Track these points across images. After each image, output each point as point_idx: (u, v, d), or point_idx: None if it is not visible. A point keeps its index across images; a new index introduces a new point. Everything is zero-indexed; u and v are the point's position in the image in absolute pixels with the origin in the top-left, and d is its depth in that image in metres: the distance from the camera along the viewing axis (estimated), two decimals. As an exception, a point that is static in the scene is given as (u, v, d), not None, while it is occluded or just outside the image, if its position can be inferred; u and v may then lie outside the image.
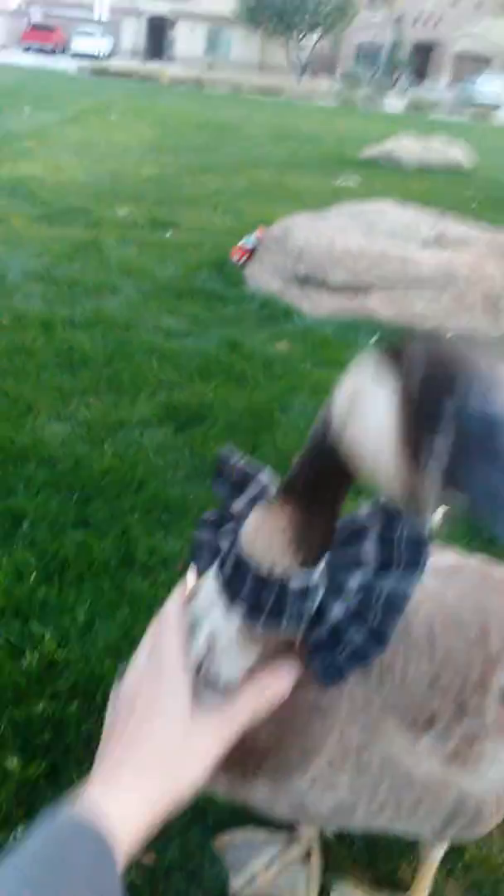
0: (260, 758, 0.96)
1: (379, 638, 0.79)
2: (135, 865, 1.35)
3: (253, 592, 0.69)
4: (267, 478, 0.79)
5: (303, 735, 0.95)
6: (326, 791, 1.00)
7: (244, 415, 3.04)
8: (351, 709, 0.96)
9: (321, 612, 0.78)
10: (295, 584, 0.70)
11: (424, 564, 0.76)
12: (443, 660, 0.96)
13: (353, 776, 0.98)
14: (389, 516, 0.77)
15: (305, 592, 0.71)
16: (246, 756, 0.95)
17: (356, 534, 0.78)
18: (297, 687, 0.89)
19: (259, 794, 1.03)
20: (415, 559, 0.76)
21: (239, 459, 0.83)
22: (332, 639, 0.79)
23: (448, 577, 1.05)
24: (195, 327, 3.97)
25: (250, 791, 1.03)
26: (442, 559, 1.11)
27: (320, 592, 0.75)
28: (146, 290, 4.46)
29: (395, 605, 0.78)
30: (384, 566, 0.76)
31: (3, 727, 1.57)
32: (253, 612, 0.70)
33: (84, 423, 2.84)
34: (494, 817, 1.04)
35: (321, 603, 0.77)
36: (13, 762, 1.49)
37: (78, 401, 3.01)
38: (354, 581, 0.77)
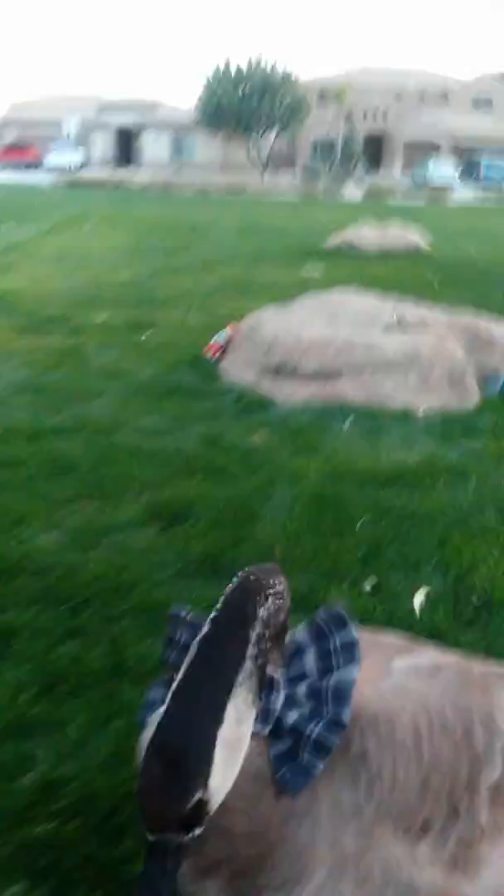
0: (256, 875, 0.99)
1: (337, 723, 0.89)
2: None
3: None
4: None
5: (290, 843, 0.99)
6: None
7: (226, 509, 3.12)
8: (338, 814, 1.00)
9: (278, 726, 0.87)
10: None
11: (360, 658, 0.89)
12: (430, 763, 1.00)
13: (355, 886, 1.00)
14: (321, 633, 0.91)
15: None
16: (242, 874, 0.99)
17: (298, 653, 0.90)
18: (269, 802, 0.94)
19: None
20: (350, 658, 0.90)
21: (188, 614, 0.95)
22: (294, 744, 0.88)
23: (429, 676, 1.10)
24: (175, 425, 4.10)
25: None
26: (422, 658, 1.15)
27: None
28: (127, 392, 4.61)
29: (343, 692, 0.89)
30: (325, 672, 0.89)
31: (6, 851, 1.57)
32: None
33: (73, 530, 2.91)
34: None
35: (277, 719, 0.87)
36: (18, 888, 1.49)
37: (66, 508, 3.09)
38: (302, 690, 0.88)
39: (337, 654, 0.94)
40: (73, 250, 10.89)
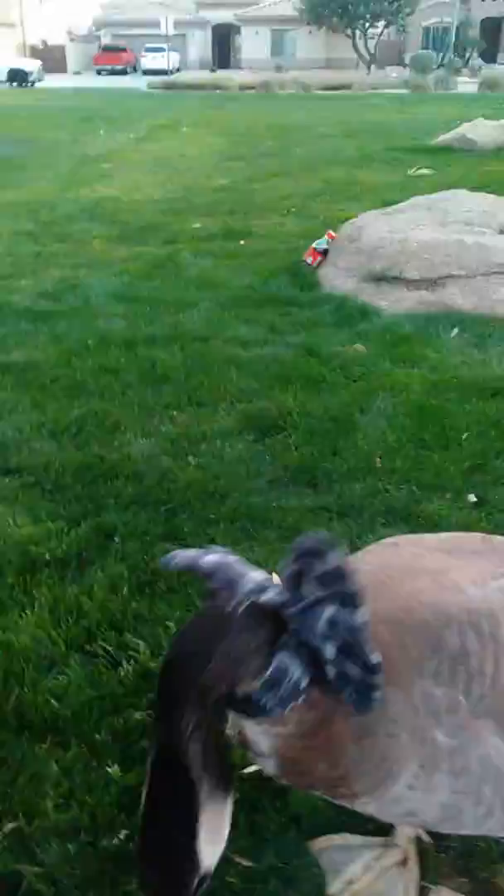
0: (349, 785, 1.01)
1: (371, 669, 0.92)
2: (232, 867, 1.39)
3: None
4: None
5: (374, 751, 0.98)
6: (429, 795, 1.02)
7: (324, 420, 3.06)
8: (431, 711, 0.99)
9: (316, 657, 0.93)
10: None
11: (354, 588, 0.91)
12: None
13: (451, 778, 1.01)
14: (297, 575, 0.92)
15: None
16: (335, 784, 1.01)
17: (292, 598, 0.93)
18: (341, 725, 0.97)
19: (369, 808, 1.07)
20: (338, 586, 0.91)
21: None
22: (341, 678, 0.93)
23: None
24: (272, 335, 4.01)
25: (360, 807, 1.08)
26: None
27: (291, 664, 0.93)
28: (223, 301, 4.54)
29: (359, 636, 0.91)
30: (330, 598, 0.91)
31: (103, 736, 1.65)
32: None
33: (168, 438, 2.93)
34: None
35: (312, 651, 0.92)
36: (115, 769, 1.56)
37: (161, 416, 3.11)
38: (323, 619, 0.91)
39: (326, 580, 0.92)
40: (169, 156, 10.68)
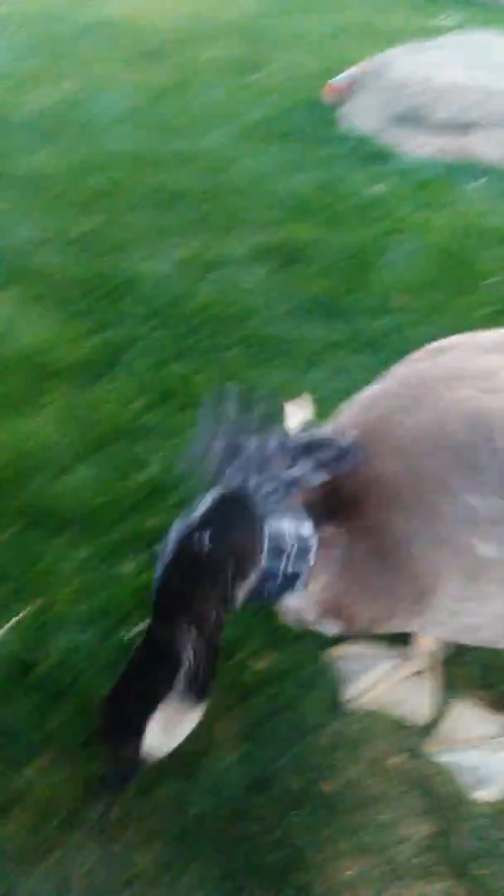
0: (394, 609, 1.01)
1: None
2: (245, 668, 1.38)
3: None
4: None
5: (402, 570, 0.97)
6: (483, 604, 0.97)
7: (341, 255, 2.88)
8: (470, 524, 0.95)
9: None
10: None
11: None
12: None
13: (499, 587, 0.98)
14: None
15: None
16: (388, 616, 1.02)
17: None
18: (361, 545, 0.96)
19: (430, 630, 1.03)
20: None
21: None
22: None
23: None
24: (288, 168, 3.74)
25: (421, 629, 1.04)
26: None
27: None
28: (236, 131, 4.20)
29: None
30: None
31: (116, 537, 1.60)
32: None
33: (179, 263, 2.75)
34: None
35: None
36: (129, 567, 1.52)
37: (171, 240, 2.91)
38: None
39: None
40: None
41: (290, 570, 0.93)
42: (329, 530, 0.96)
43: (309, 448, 0.92)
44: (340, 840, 1.14)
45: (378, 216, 3.29)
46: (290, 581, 0.94)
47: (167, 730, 0.95)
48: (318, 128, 4.41)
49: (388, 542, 0.96)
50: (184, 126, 4.21)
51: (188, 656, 0.91)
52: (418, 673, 1.44)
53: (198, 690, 0.94)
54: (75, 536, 1.60)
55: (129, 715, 0.93)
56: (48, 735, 1.21)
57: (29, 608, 1.41)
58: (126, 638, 1.40)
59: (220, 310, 2.45)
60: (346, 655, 1.45)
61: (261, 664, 1.41)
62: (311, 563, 0.94)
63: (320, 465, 0.93)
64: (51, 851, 1.07)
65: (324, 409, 2.07)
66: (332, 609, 1.00)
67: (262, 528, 0.92)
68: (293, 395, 2.09)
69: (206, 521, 0.92)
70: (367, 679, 1.42)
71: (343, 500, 0.98)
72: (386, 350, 2.36)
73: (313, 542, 0.94)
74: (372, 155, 4.04)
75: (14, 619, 1.40)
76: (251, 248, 2.89)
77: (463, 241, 3.10)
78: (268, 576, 0.93)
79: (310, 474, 0.93)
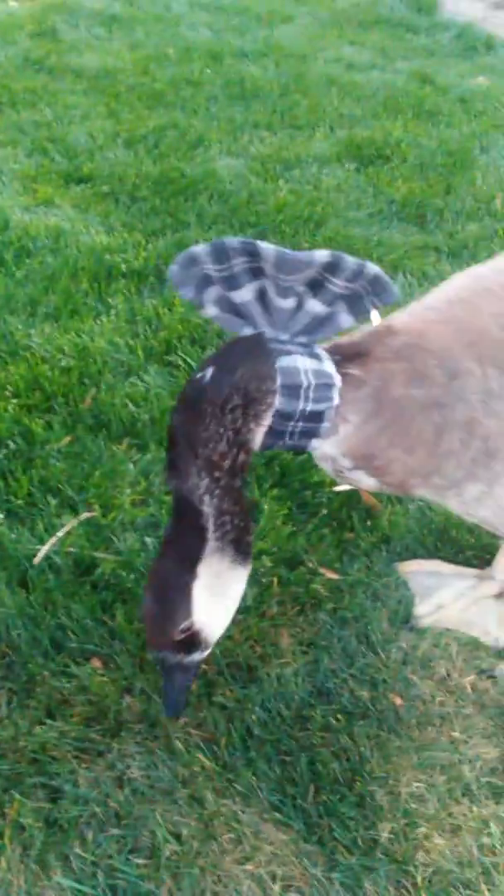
0: (428, 467, 0.93)
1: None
2: (318, 576, 1.32)
3: None
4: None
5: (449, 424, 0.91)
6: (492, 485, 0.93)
7: (436, 154, 2.66)
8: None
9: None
10: None
11: None
12: None
13: None
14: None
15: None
16: (422, 474, 0.94)
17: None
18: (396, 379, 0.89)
19: (454, 500, 0.95)
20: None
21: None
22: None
23: None
24: (380, 59, 3.46)
25: (452, 502, 0.95)
26: None
27: None
28: (323, 18, 3.91)
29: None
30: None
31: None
32: None
33: (257, 158, 2.60)
34: None
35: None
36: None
37: (250, 135, 2.74)
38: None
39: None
40: None
41: (308, 408, 0.83)
42: (357, 370, 0.87)
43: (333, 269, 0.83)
44: (407, 754, 1.10)
45: (479, 111, 3.03)
46: (313, 421, 0.85)
47: (215, 594, 0.88)
48: (416, 14, 4.07)
49: (434, 390, 0.89)
50: (266, 11, 3.95)
51: (209, 505, 0.82)
52: (496, 595, 1.35)
53: (234, 543, 0.86)
54: (140, 441, 1.55)
55: (170, 590, 0.87)
56: (111, 632, 1.20)
57: (87, 514, 1.38)
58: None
59: (299, 210, 2.31)
60: (421, 571, 1.38)
61: (331, 574, 1.35)
62: (335, 400, 0.85)
63: (353, 295, 0.84)
64: (108, 749, 1.07)
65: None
66: (364, 456, 0.91)
67: (272, 363, 0.82)
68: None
69: (213, 357, 0.84)
70: (442, 596, 1.34)
71: (373, 346, 0.90)
72: (483, 255, 2.18)
73: (336, 379, 0.85)
74: (476, 44, 3.72)
75: (75, 519, 1.38)
76: (335, 146, 2.70)
77: None
78: (285, 416, 0.83)
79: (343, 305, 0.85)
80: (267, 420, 0.83)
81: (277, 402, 0.83)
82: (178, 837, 0.99)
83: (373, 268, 0.84)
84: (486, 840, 1.01)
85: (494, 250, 2.18)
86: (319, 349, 0.87)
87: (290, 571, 1.32)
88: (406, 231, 2.27)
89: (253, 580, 1.30)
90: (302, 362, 0.83)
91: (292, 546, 1.36)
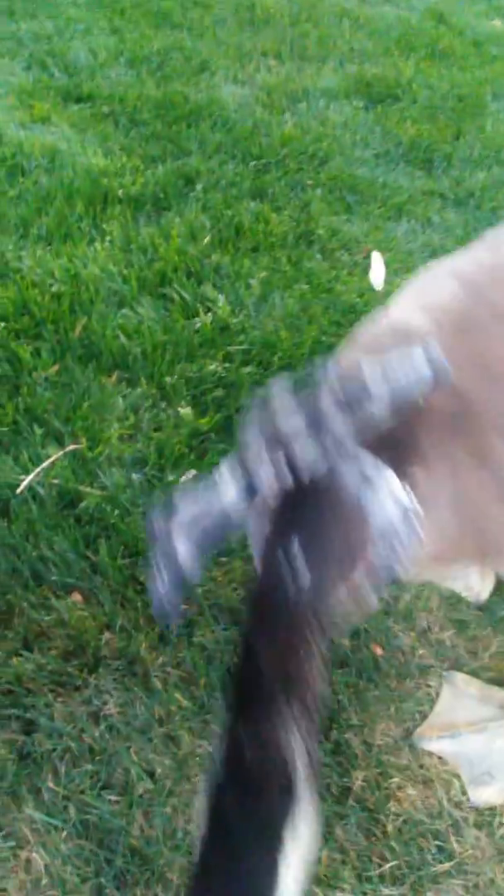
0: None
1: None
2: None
3: None
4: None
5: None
6: None
7: (447, 97, 2.57)
8: None
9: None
10: None
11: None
12: None
13: None
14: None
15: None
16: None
17: None
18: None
19: None
20: None
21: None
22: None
23: None
24: (395, -7, 3.30)
25: None
26: None
27: None
28: None
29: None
30: None
31: (175, 379, 1.50)
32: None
33: (264, 88, 2.49)
34: None
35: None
36: (186, 410, 1.43)
37: (258, 63, 2.62)
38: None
39: None
40: None
41: (400, 548, 0.66)
42: (417, 469, 0.71)
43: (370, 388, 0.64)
44: (384, 704, 1.10)
45: (494, 55, 2.92)
46: (404, 559, 0.67)
47: (299, 865, 0.59)
48: None
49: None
50: None
51: (300, 747, 0.58)
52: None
53: (315, 786, 0.60)
54: (131, 375, 1.50)
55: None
56: (93, 567, 1.17)
57: (73, 446, 1.34)
58: (178, 482, 1.33)
59: (304, 145, 2.22)
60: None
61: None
62: (419, 526, 0.67)
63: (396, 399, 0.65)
64: (85, 684, 1.05)
65: (409, 264, 1.88)
66: (458, 554, 0.80)
67: (365, 521, 0.64)
68: (376, 247, 1.90)
69: (290, 526, 0.63)
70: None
71: (420, 428, 0.72)
72: (489, 204, 2.12)
73: (416, 506, 0.67)
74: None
75: (61, 451, 1.34)
76: (344, 81, 2.59)
77: None
78: (380, 570, 0.66)
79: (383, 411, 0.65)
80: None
81: (373, 557, 0.66)
82: (151, 775, 0.99)
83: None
84: (455, 794, 1.02)
85: (501, 201, 2.12)
86: (369, 461, 0.66)
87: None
88: (412, 175, 2.20)
89: (239, 523, 1.28)
90: (388, 502, 0.65)
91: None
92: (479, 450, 0.73)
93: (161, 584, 0.64)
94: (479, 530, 0.77)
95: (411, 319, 0.81)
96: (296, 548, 0.60)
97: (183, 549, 0.61)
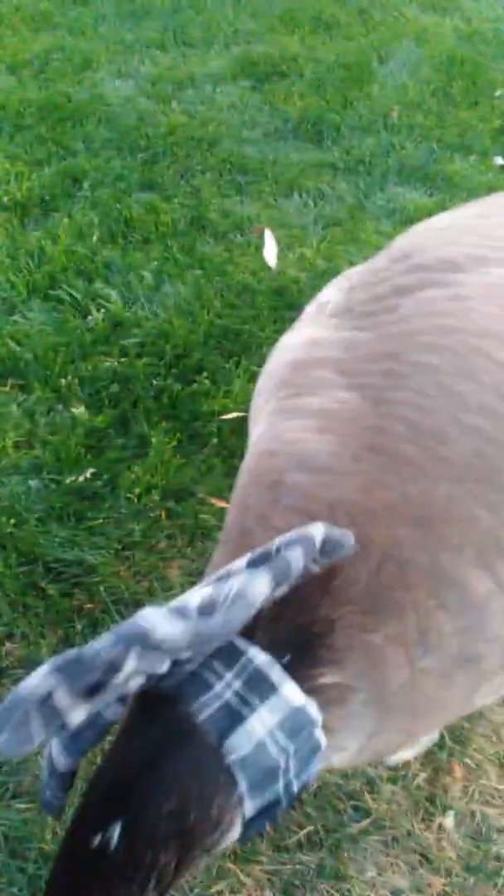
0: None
1: None
2: (206, 507, 1.30)
3: None
4: None
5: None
6: None
7: (334, 68, 2.57)
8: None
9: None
10: None
11: None
12: None
13: None
14: None
15: None
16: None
17: None
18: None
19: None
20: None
21: None
22: None
23: None
24: (277, -30, 3.29)
25: None
26: None
27: None
28: None
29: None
30: None
31: (69, 380, 1.48)
32: None
33: (149, 79, 2.46)
34: None
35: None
36: (81, 410, 1.42)
37: (141, 55, 2.60)
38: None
39: None
40: None
41: (294, 786, 0.55)
42: (331, 675, 0.57)
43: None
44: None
45: (378, 21, 2.92)
46: (301, 788, 0.56)
47: None
48: None
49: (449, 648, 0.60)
50: None
51: None
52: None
53: None
54: (24, 381, 1.48)
55: None
56: (-6, 580, 1.16)
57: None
58: (78, 482, 1.32)
59: (192, 131, 2.21)
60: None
61: (220, 503, 1.33)
62: (322, 743, 0.55)
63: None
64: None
65: (305, 238, 1.88)
66: (390, 748, 0.70)
67: (221, 763, 0.52)
68: (269, 225, 1.89)
69: (105, 797, 0.53)
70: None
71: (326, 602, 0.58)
72: (379, 170, 2.13)
73: (317, 715, 0.55)
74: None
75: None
76: (229, 63, 2.58)
77: (474, 48, 2.77)
78: (262, 812, 0.54)
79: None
80: (228, 832, 0.54)
81: (246, 808, 0.54)
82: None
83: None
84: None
85: (390, 165, 2.13)
86: (258, 655, 0.54)
87: (179, 504, 1.29)
88: (302, 149, 2.20)
89: (140, 515, 1.27)
90: (260, 721, 0.53)
91: (181, 478, 1.32)
92: (417, 634, 0.58)
93: (45, 777, 0.56)
94: (411, 717, 0.63)
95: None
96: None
97: (55, 749, 0.54)
